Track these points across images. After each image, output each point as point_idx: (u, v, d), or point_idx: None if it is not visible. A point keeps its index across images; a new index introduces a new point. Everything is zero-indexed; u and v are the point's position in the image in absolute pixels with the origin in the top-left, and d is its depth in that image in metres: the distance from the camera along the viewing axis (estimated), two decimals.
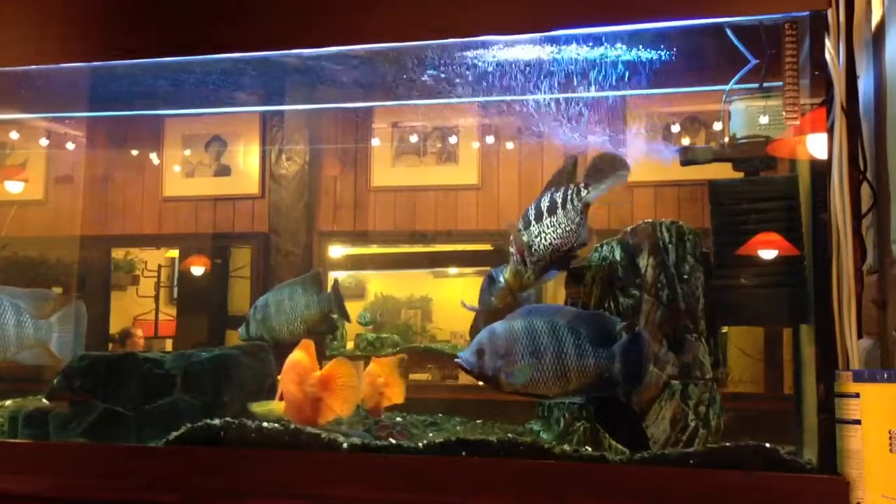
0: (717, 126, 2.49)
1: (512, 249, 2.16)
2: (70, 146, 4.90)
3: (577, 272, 2.24)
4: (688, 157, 2.36)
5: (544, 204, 2.11)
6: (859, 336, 1.79)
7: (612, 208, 2.42)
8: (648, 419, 1.99)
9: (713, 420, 2.01)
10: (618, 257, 2.13)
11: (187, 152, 5.71)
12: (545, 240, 2.09)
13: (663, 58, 2.30)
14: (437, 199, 5.44)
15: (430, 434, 2.39)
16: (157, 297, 6.67)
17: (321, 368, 2.22)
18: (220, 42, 2.12)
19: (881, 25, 1.99)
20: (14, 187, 4.74)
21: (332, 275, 5.80)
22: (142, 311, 6.65)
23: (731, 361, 4.33)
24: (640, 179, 4.69)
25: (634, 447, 1.94)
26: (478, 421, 2.61)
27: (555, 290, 2.81)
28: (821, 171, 1.80)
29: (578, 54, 2.29)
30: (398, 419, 2.57)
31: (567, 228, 2.06)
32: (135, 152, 5.65)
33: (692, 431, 1.98)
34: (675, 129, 4.69)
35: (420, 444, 1.90)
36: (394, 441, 2.07)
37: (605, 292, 2.13)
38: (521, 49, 2.32)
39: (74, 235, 5.23)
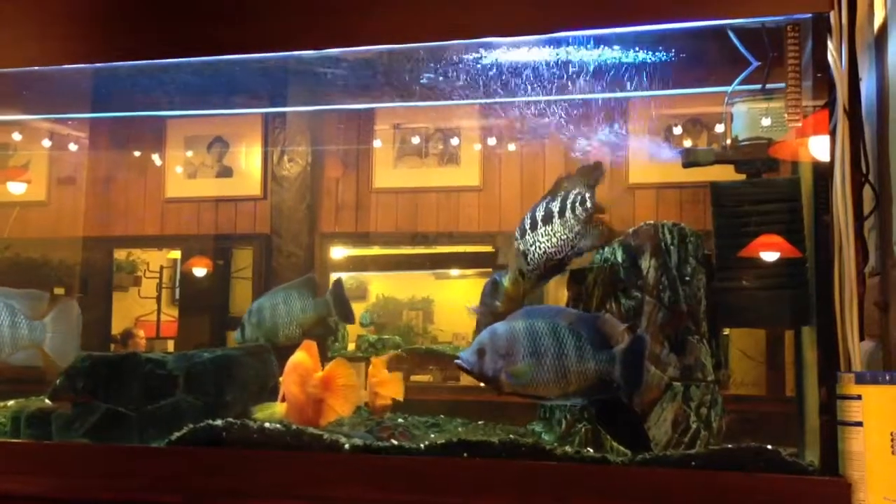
0: (720, 128, 2.49)
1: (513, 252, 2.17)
2: (73, 147, 4.91)
3: (579, 274, 2.24)
4: (690, 159, 2.36)
5: (540, 213, 2.12)
6: (861, 338, 1.79)
7: (613, 210, 2.42)
8: (650, 421, 1.99)
9: (715, 422, 2.01)
10: (619, 259, 2.13)
11: (189, 153, 5.72)
12: (540, 248, 2.10)
13: (665, 60, 2.30)
14: (439, 201, 5.44)
15: (432, 435, 2.39)
16: (158, 298, 6.67)
17: (323, 370, 2.23)
18: (220, 42, 2.12)
19: (883, 27, 1.99)
20: (17, 188, 4.74)
21: (335, 275, 5.81)
22: (144, 311, 6.65)
23: (733, 364, 4.33)
24: (642, 181, 4.72)
25: (636, 449, 1.94)
26: (479, 422, 2.61)
27: (556, 291, 2.82)
28: (823, 173, 1.80)
29: (578, 55, 2.29)
30: (400, 420, 2.57)
31: (564, 237, 2.07)
32: (137, 153, 5.66)
33: (694, 433, 1.98)
34: (677, 131, 4.70)
35: (422, 446, 1.90)
36: (395, 442, 2.08)
37: (607, 294, 2.13)
38: (521, 51, 2.32)
39: (77, 236, 5.25)
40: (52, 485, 1.97)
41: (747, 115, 2.27)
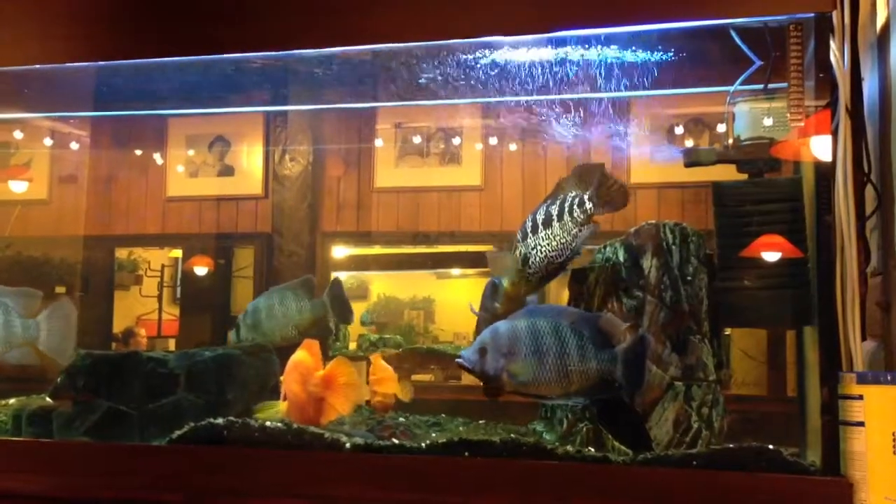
0: (721, 128, 2.49)
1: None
2: (74, 146, 4.91)
3: (581, 273, 2.24)
4: (692, 159, 2.36)
5: (540, 216, 2.12)
6: (863, 338, 1.79)
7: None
8: (651, 420, 1.99)
9: (716, 422, 2.01)
10: (621, 258, 2.13)
11: (191, 152, 5.72)
12: (541, 251, 2.10)
13: (666, 59, 2.30)
14: (440, 200, 5.45)
15: (433, 434, 2.39)
16: (160, 297, 6.68)
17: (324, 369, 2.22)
18: (221, 42, 2.12)
19: (886, 27, 1.99)
20: (18, 187, 4.75)
21: (336, 275, 5.81)
22: (145, 310, 6.66)
23: (734, 364, 4.33)
24: (644, 181, 4.73)
25: (637, 448, 1.94)
26: (480, 421, 2.61)
27: (558, 290, 2.81)
28: (825, 173, 1.80)
29: (579, 55, 2.29)
30: (401, 419, 2.57)
31: (564, 240, 2.08)
32: (138, 152, 5.66)
33: (695, 433, 1.98)
34: (679, 130, 4.70)
35: (423, 445, 1.90)
36: (396, 441, 2.07)
37: (609, 293, 2.13)
38: (521, 51, 2.32)
39: (78, 235, 5.25)
40: (54, 483, 1.97)
41: (749, 114, 2.26)
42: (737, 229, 2.07)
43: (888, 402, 1.60)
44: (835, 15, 1.83)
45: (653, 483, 1.71)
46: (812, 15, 1.82)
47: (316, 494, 1.82)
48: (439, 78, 2.42)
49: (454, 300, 6.43)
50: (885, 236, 1.98)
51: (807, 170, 2.00)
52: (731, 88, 2.28)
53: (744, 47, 2.14)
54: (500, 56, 2.32)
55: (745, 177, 2.25)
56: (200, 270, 5.62)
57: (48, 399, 2.33)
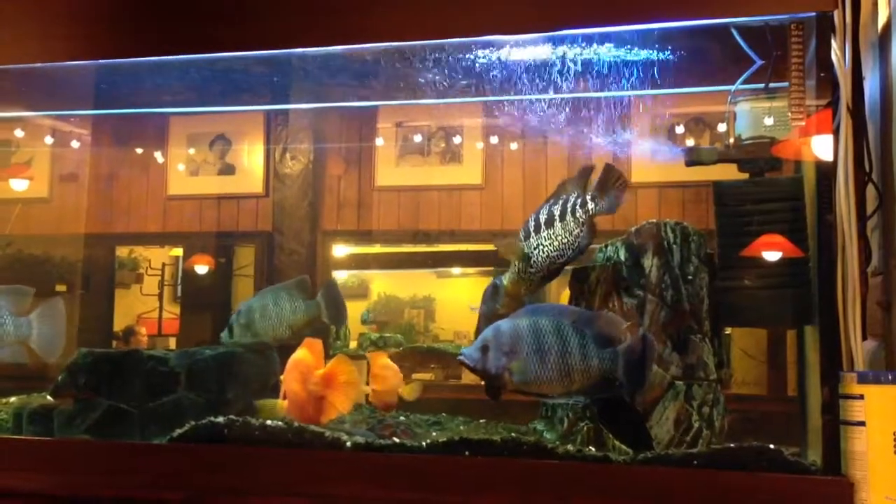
0: (722, 127, 2.48)
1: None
2: (75, 144, 4.91)
3: (582, 272, 2.24)
4: (693, 158, 2.36)
5: (543, 216, 2.12)
6: (864, 338, 1.79)
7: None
8: (652, 420, 1.99)
9: (717, 421, 2.01)
10: (622, 258, 2.13)
11: (192, 151, 5.72)
12: (543, 251, 2.10)
13: (667, 59, 2.30)
14: (441, 199, 5.45)
15: (434, 433, 2.39)
16: (160, 296, 6.69)
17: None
18: (221, 42, 2.12)
19: (887, 26, 1.99)
20: (19, 185, 4.75)
21: (336, 273, 5.82)
22: (145, 309, 6.66)
23: (735, 363, 4.33)
24: (644, 180, 4.72)
25: (638, 447, 1.94)
26: (481, 420, 2.61)
27: (559, 289, 2.81)
28: (826, 172, 1.80)
29: (579, 54, 2.29)
30: (401, 418, 2.57)
31: (566, 240, 2.08)
32: (139, 150, 5.66)
33: (696, 432, 1.98)
34: (680, 130, 4.69)
35: (423, 444, 1.90)
36: (397, 440, 2.08)
37: (610, 292, 2.13)
38: (521, 50, 2.32)
39: (79, 233, 5.25)
40: (54, 481, 1.98)
41: (750, 113, 2.26)
42: (738, 228, 2.07)
43: (889, 401, 1.60)
44: (836, 14, 1.83)
45: (653, 482, 1.71)
46: (813, 14, 1.82)
47: (316, 493, 1.82)
48: (437, 77, 2.42)
49: (454, 299, 6.43)
50: (886, 236, 1.98)
51: (808, 169, 2.00)
52: (733, 87, 2.27)
53: (745, 46, 2.13)
54: (499, 55, 2.32)
55: (746, 176, 2.25)
56: (201, 269, 5.62)
57: (49, 397, 2.33)
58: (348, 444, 1.90)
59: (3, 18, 2.20)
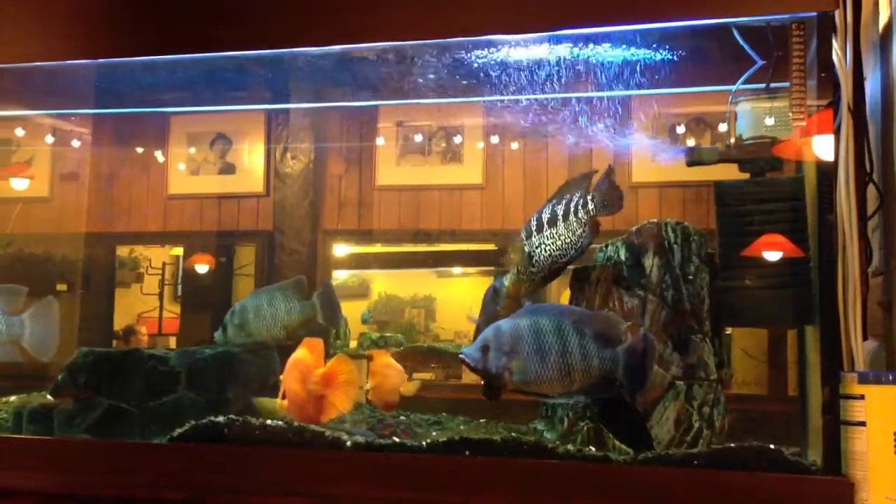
0: (723, 127, 2.48)
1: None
2: (75, 143, 4.92)
3: (582, 272, 2.24)
4: (693, 158, 2.36)
5: (546, 215, 2.12)
6: (864, 338, 1.79)
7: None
8: (652, 419, 1.99)
9: (717, 421, 2.01)
10: (623, 257, 2.13)
11: (192, 150, 5.72)
12: (545, 251, 2.10)
13: (668, 58, 2.30)
14: (442, 199, 5.45)
15: (434, 433, 2.39)
16: (161, 295, 6.68)
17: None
18: (221, 42, 2.13)
19: (888, 26, 1.98)
20: (19, 184, 4.75)
21: (336, 273, 5.82)
22: (146, 308, 6.66)
23: (735, 363, 4.33)
24: (645, 180, 4.72)
25: (638, 447, 1.94)
26: (481, 420, 2.61)
27: (559, 289, 2.81)
28: (827, 172, 1.80)
29: (580, 54, 2.29)
30: (402, 418, 2.57)
31: (568, 240, 2.08)
32: (140, 150, 5.66)
33: (696, 432, 1.98)
34: (681, 129, 4.69)
35: (423, 443, 1.90)
36: (397, 440, 2.07)
37: (610, 292, 2.13)
38: (522, 49, 2.31)
39: (79, 232, 5.25)
40: (54, 481, 1.97)
41: (751, 113, 2.26)
42: (738, 228, 2.07)
43: (889, 401, 1.60)
44: (837, 14, 1.83)
45: (654, 482, 1.71)
46: (814, 14, 1.82)
47: (317, 493, 1.82)
48: (434, 77, 2.42)
49: (455, 299, 6.43)
50: (886, 236, 1.98)
51: (809, 169, 2.00)
52: (734, 87, 2.27)
53: (746, 46, 2.13)
54: (499, 54, 2.32)
55: (746, 176, 2.25)
56: (201, 268, 5.62)
57: (49, 396, 2.33)
58: (348, 443, 1.90)
59: (4, 17, 2.21)
